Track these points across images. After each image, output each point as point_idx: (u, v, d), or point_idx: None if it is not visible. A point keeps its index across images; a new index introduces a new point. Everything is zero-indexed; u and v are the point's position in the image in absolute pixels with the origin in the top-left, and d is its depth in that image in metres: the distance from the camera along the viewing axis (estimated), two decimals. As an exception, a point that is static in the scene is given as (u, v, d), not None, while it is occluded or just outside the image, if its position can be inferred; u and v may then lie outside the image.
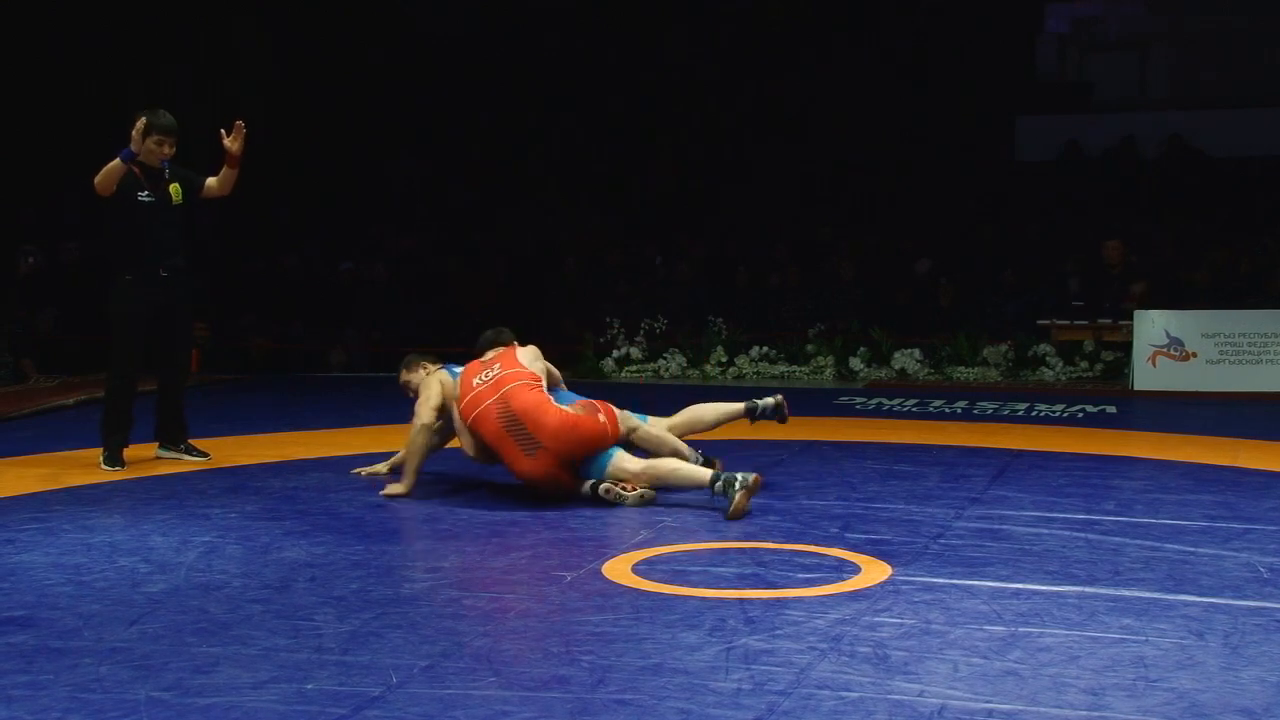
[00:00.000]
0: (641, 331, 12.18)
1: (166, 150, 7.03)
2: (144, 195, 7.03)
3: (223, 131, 7.10)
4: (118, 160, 6.87)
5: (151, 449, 7.20)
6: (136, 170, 6.99)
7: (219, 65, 11.84)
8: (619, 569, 4.77)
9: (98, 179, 6.94)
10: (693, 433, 6.62)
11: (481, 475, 6.55)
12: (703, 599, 4.38)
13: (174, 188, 7.12)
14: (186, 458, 7.16)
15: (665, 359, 11.93)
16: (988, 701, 3.41)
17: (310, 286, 12.96)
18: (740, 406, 6.69)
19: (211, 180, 7.26)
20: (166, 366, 7.24)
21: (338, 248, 13.21)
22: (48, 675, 3.66)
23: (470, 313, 12.60)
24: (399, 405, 8.87)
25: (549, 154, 13.46)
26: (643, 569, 4.77)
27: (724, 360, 11.84)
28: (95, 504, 5.97)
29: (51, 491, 6.23)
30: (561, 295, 13.21)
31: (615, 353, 12.04)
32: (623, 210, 13.78)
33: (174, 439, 7.22)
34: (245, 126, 7.12)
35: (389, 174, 13.14)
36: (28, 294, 11.56)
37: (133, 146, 6.86)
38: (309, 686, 3.54)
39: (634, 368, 11.93)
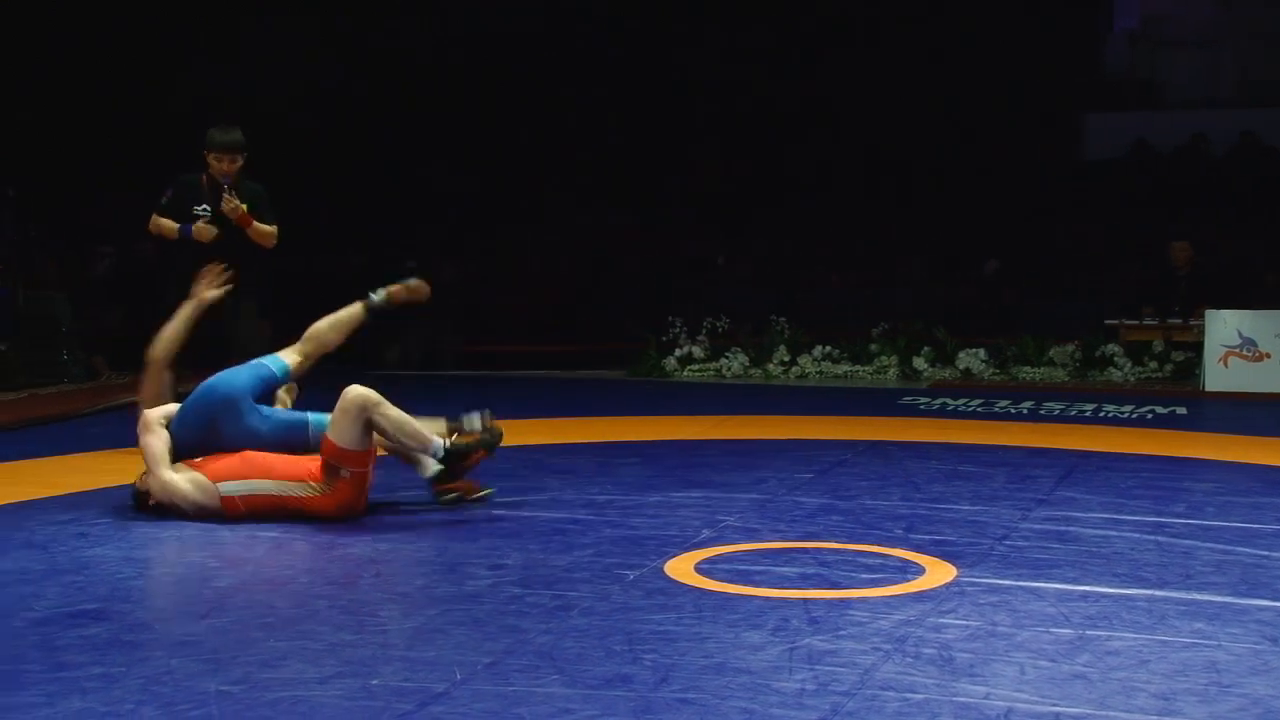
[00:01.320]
0: (704, 330, 12.17)
1: (225, 166, 7.12)
2: (200, 209, 7.12)
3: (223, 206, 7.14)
4: (177, 228, 7.05)
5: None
6: (203, 180, 7.11)
7: (271, 67, 11.95)
8: (681, 568, 4.76)
9: (151, 226, 7.12)
10: (324, 350, 6.24)
11: (541, 477, 6.58)
12: (765, 599, 4.36)
13: (240, 206, 7.15)
14: None
15: (727, 358, 11.91)
16: (1055, 705, 3.37)
17: (373, 285, 13.04)
18: (358, 306, 6.36)
19: (266, 230, 7.31)
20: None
21: (402, 246, 13.30)
22: (120, 667, 3.71)
23: (534, 311, 12.66)
24: (452, 402, 8.87)
25: (610, 152, 13.47)
26: (705, 568, 4.76)
27: (786, 360, 11.80)
28: (165, 499, 6.04)
29: (123, 487, 6.31)
30: (623, 294, 13.22)
31: (677, 352, 12.04)
32: (685, 208, 13.76)
33: None
34: (237, 207, 7.16)
35: (453, 173, 13.21)
36: (103, 293, 11.73)
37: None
38: (374, 682, 3.56)
39: (696, 367, 11.92)
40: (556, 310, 12.99)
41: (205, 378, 5.93)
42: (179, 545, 5.15)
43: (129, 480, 6.25)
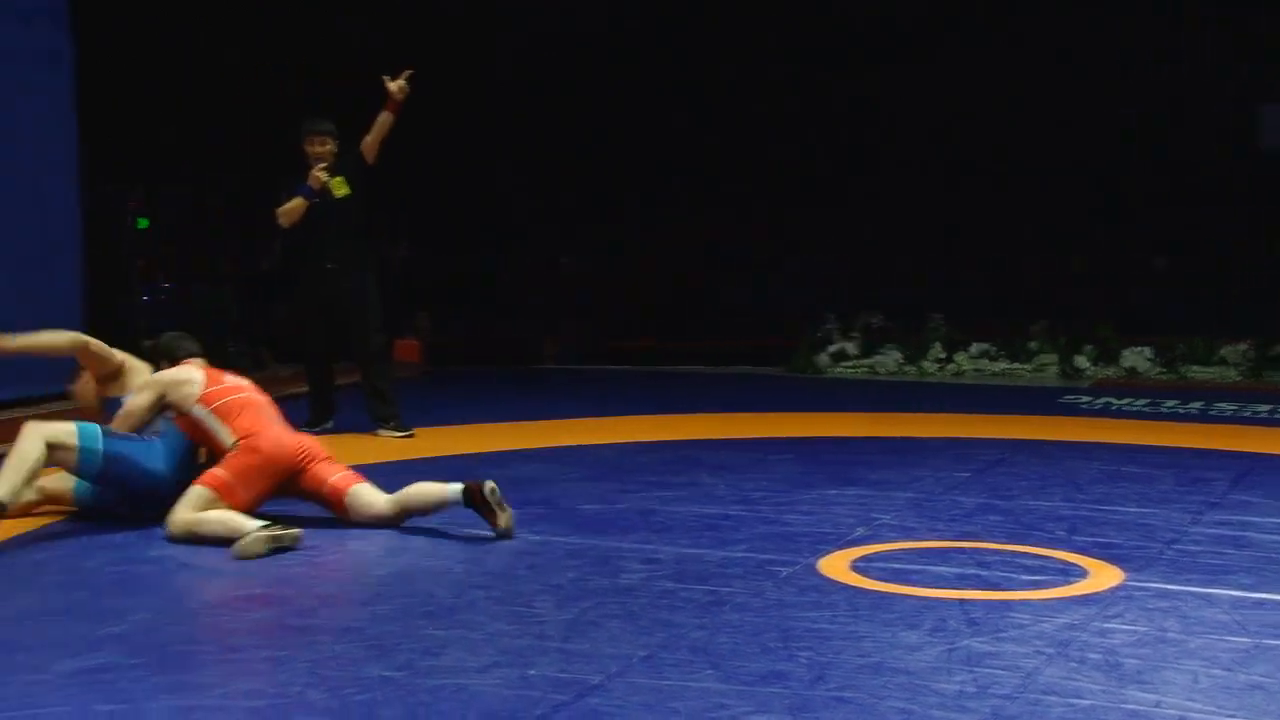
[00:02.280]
0: (858, 326, 12.04)
1: (318, 149, 7.52)
2: (300, 189, 7.45)
3: (386, 78, 7.37)
4: (299, 198, 7.35)
5: (372, 434, 7.61)
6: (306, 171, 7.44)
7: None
8: (836, 565, 4.72)
9: (281, 213, 7.43)
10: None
11: (694, 472, 6.59)
12: (922, 598, 4.29)
13: (336, 182, 7.47)
14: (385, 433, 7.59)
15: (881, 355, 11.76)
16: (1231, 715, 3.25)
17: (530, 280, 13.21)
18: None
19: (366, 137, 7.53)
20: (358, 354, 7.63)
21: (557, 241, 13.41)
22: (287, 651, 3.82)
23: (684, 306, 12.65)
24: (608, 397, 8.98)
25: (770, 147, 13.39)
26: (860, 566, 4.71)
27: (942, 356, 11.61)
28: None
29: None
30: (773, 289, 13.13)
31: (830, 348, 11.93)
32: (842, 203, 13.61)
33: (381, 418, 7.60)
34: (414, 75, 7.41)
35: (602, 168, 13.26)
36: (269, 286, 12.06)
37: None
38: (531, 672, 3.60)
39: (849, 364, 11.80)
40: (707, 305, 12.96)
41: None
42: (339, 535, 5.27)
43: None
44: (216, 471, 5.30)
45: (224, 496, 5.21)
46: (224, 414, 5.47)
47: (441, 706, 3.35)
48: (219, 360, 6.72)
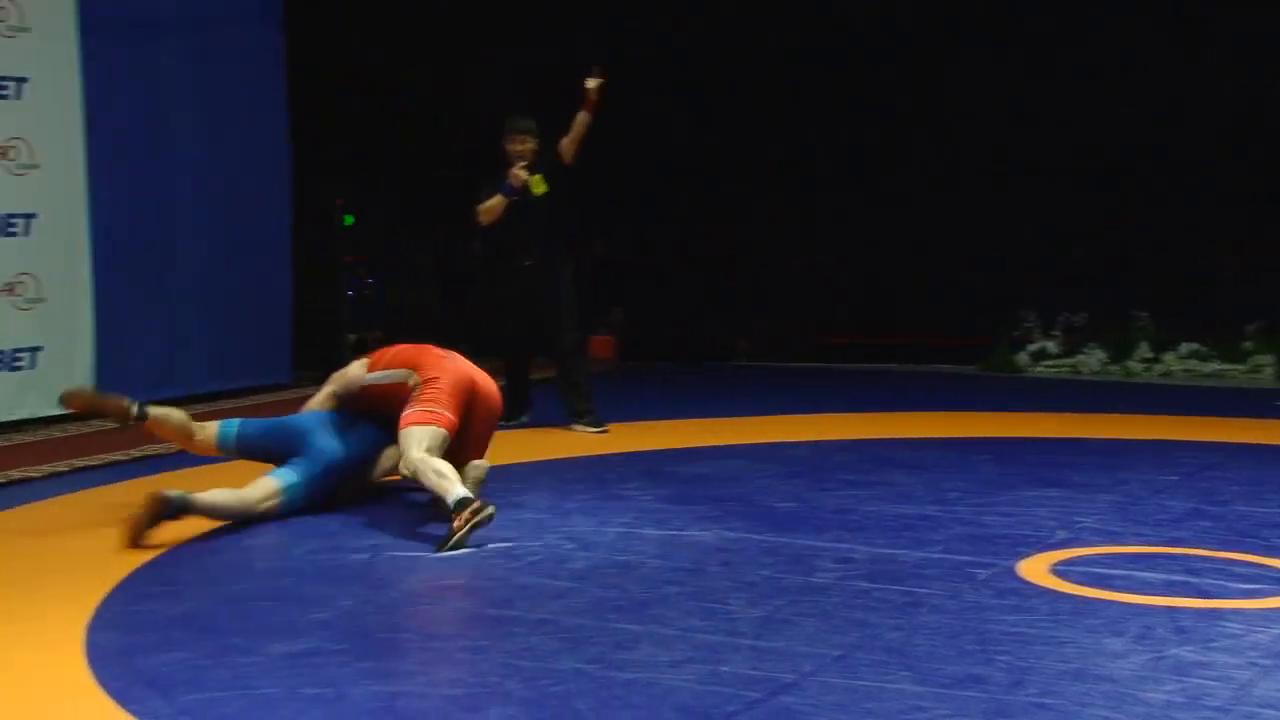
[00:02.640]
0: (1058, 325, 11.71)
1: (519, 147, 7.59)
2: (502, 188, 7.56)
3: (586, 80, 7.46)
4: (499, 196, 7.47)
5: (564, 429, 7.73)
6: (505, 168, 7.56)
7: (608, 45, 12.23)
8: (1036, 569, 4.60)
9: (481, 211, 7.57)
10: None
11: (888, 471, 6.50)
12: (1127, 605, 4.15)
13: (534, 180, 7.57)
14: (580, 427, 7.67)
15: (1084, 354, 11.42)
16: None
17: (727, 275, 13.22)
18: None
19: (564, 138, 7.60)
20: (554, 349, 7.72)
21: (754, 236, 13.37)
22: (485, 641, 3.90)
23: (878, 303, 12.50)
24: (801, 394, 8.92)
25: (954, 139, 13.12)
26: (1061, 570, 4.58)
27: (1149, 356, 11.21)
28: (523, 482, 6.31)
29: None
30: (970, 284, 12.85)
31: (1030, 346, 11.63)
32: (1037, 197, 13.25)
33: (576, 413, 7.71)
34: (606, 75, 7.48)
35: (804, 161, 13.16)
36: (470, 284, 12.33)
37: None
38: (724, 669, 3.60)
39: (1050, 363, 11.48)
40: (901, 302, 12.78)
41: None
42: (535, 527, 5.36)
43: (494, 461, 6.59)
44: (417, 408, 5.47)
45: (428, 421, 5.41)
46: (394, 364, 5.75)
47: (634, 700, 3.38)
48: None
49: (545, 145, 7.69)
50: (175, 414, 5.86)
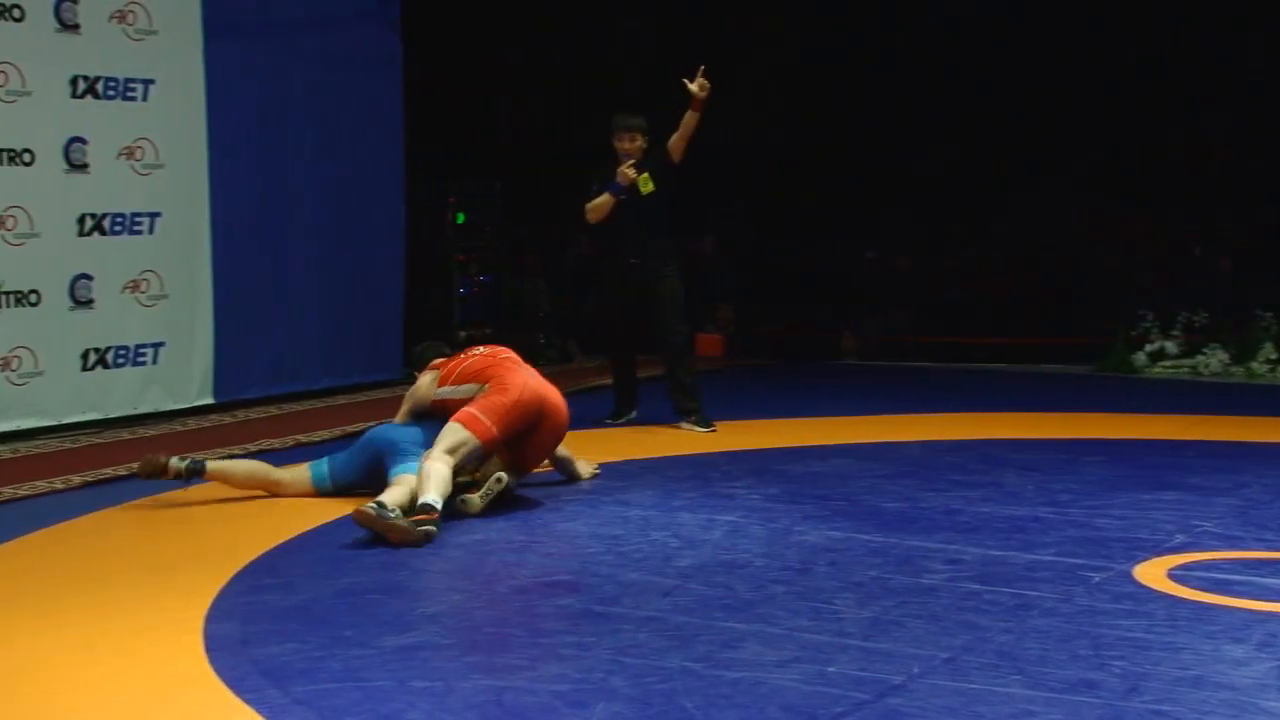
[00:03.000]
0: (1178, 324, 11.43)
1: (625, 145, 7.61)
2: (609, 186, 7.57)
3: (685, 80, 7.42)
4: (607, 194, 7.49)
5: (672, 428, 7.73)
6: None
7: (739, 51, 12.17)
8: (1152, 573, 4.50)
9: (590, 209, 7.60)
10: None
11: (1000, 472, 6.41)
12: (1249, 611, 4.05)
13: (642, 178, 7.56)
14: (687, 426, 7.66)
15: (1204, 355, 11.13)
16: None
17: (834, 274, 13.13)
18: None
19: (673, 136, 7.59)
20: (662, 347, 7.72)
21: (861, 235, 13.27)
22: (591, 638, 3.92)
23: (991, 303, 12.32)
24: (908, 394, 8.82)
25: (1078, 140, 12.88)
26: (1179, 574, 4.47)
27: (1274, 357, 10.89)
28: (630, 479, 6.33)
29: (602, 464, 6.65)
30: (1088, 285, 12.61)
31: (1148, 347, 11.37)
32: (1155, 198, 12.96)
33: (684, 411, 7.70)
34: (710, 79, 7.43)
35: (911, 161, 13.02)
36: (578, 279, 12.40)
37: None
38: (831, 669, 3.58)
39: (1168, 363, 11.21)
40: (1015, 302, 12.58)
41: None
42: (642, 524, 5.37)
43: (602, 458, 6.62)
44: (469, 408, 5.58)
45: (468, 426, 5.49)
46: (464, 378, 5.82)
47: (741, 699, 3.37)
48: (528, 352, 6.99)
49: (654, 143, 7.70)
50: (241, 465, 6.08)
